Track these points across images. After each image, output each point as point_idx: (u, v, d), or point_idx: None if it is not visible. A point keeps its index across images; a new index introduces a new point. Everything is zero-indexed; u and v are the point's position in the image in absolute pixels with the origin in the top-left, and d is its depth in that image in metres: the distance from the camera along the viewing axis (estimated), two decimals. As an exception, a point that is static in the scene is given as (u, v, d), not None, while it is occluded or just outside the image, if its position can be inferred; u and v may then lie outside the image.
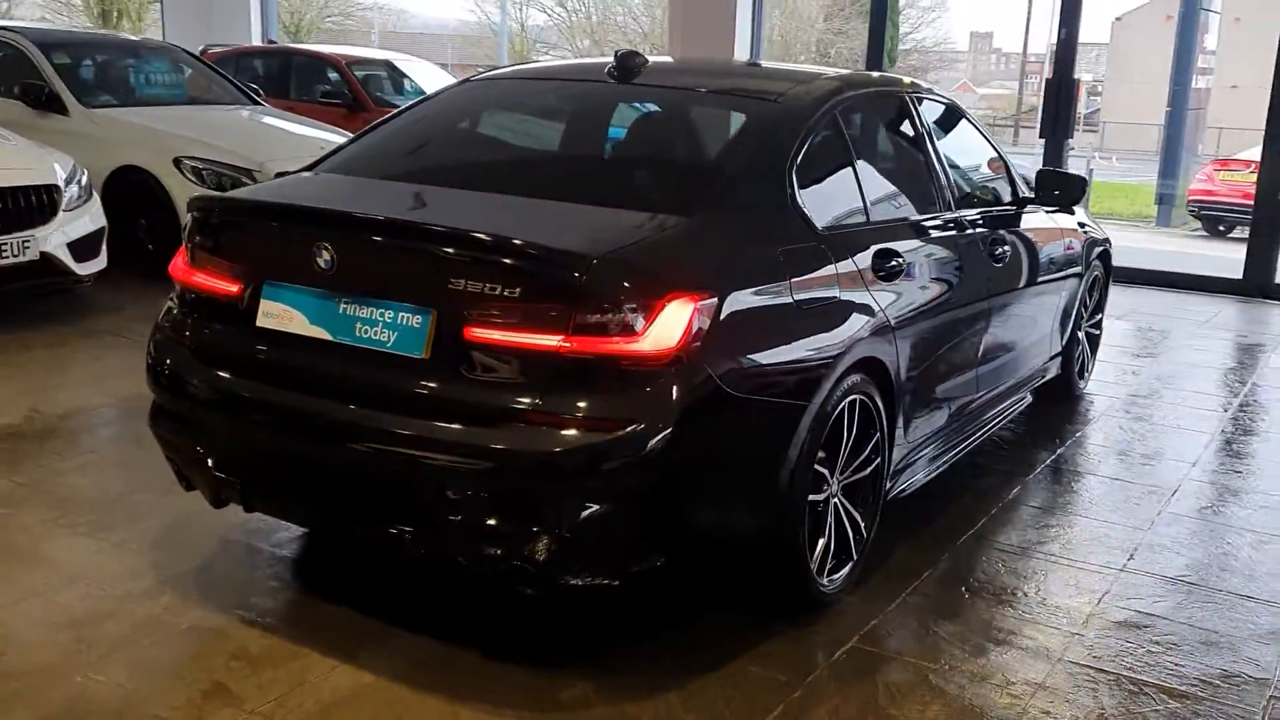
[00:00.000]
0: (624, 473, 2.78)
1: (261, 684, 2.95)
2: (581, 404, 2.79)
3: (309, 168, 3.79)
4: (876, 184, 3.90)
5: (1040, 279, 4.94)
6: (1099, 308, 6.05)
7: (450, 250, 2.92)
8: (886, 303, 3.57)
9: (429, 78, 11.59)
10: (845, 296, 3.40)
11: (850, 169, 3.72)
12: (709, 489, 2.96)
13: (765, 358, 3.07)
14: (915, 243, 3.87)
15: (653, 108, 3.96)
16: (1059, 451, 5.11)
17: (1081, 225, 5.52)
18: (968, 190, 4.54)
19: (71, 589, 3.42)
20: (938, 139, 4.36)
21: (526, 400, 2.80)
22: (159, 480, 3.85)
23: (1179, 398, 6.21)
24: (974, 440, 4.55)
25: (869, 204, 3.74)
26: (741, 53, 11.04)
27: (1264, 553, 4.08)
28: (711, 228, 3.09)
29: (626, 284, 2.81)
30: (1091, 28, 46.69)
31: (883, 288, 3.57)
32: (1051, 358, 5.36)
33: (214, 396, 3.24)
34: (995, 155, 4.87)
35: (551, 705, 2.93)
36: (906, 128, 4.25)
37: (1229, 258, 10.22)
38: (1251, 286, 9.06)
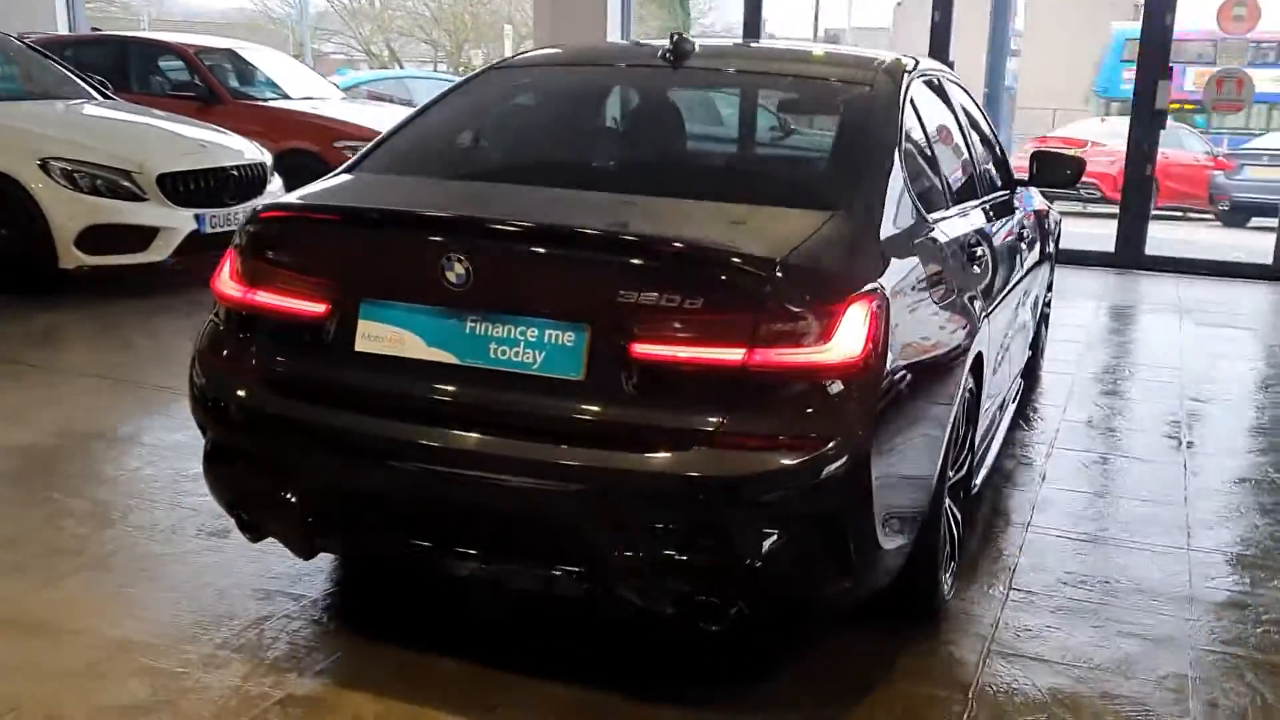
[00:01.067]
0: (820, 493, 2.56)
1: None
2: (772, 422, 2.56)
3: (348, 168, 3.38)
4: (947, 167, 3.78)
5: (1040, 258, 4.97)
6: (1050, 285, 6.15)
7: (616, 258, 2.62)
8: (977, 290, 3.46)
9: (278, 66, 10.88)
10: (958, 285, 3.27)
11: (930, 153, 3.58)
12: (891, 500, 2.77)
13: (920, 357, 2.91)
14: (984, 225, 3.78)
15: (735, 96, 3.71)
16: (1054, 436, 5.14)
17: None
18: (990, 170, 4.49)
19: (122, 662, 2.95)
20: (966, 119, 4.29)
21: (709, 421, 2.54)
22: (146, 524, 3.43)
23: (1128, 369, 6.39)
24: (1004, 429, 4.52)
25: (950, 188, 3.62)
26: (613, 36, 10.82)
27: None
28: (857, 223, 2.90)
29: (811, 288, 2.59)
30: (873, 13, 48.36)
31: (971, 275, 3.47)
32: (1032, 339, 5.40)
33: (304, 433, 2.83)
34: (991, 134, 4.85)
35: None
36: (949, 108, 4.14)
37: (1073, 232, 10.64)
38: (1125, 258, 9.46)
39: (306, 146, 9.11)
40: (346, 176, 3.32)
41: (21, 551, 3.57)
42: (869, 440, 2.59)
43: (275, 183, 8.03)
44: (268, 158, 7.96)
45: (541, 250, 2.68)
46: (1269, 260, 9.25)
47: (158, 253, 7.13)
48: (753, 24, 10.41)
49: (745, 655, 3.09)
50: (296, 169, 8.53)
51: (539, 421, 2.64)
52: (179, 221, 7.18)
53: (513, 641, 3.13)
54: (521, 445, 2.63)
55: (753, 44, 3.79)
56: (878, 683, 3.00)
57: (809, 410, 2.56)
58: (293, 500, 2.84)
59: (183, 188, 7.21)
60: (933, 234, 3.22)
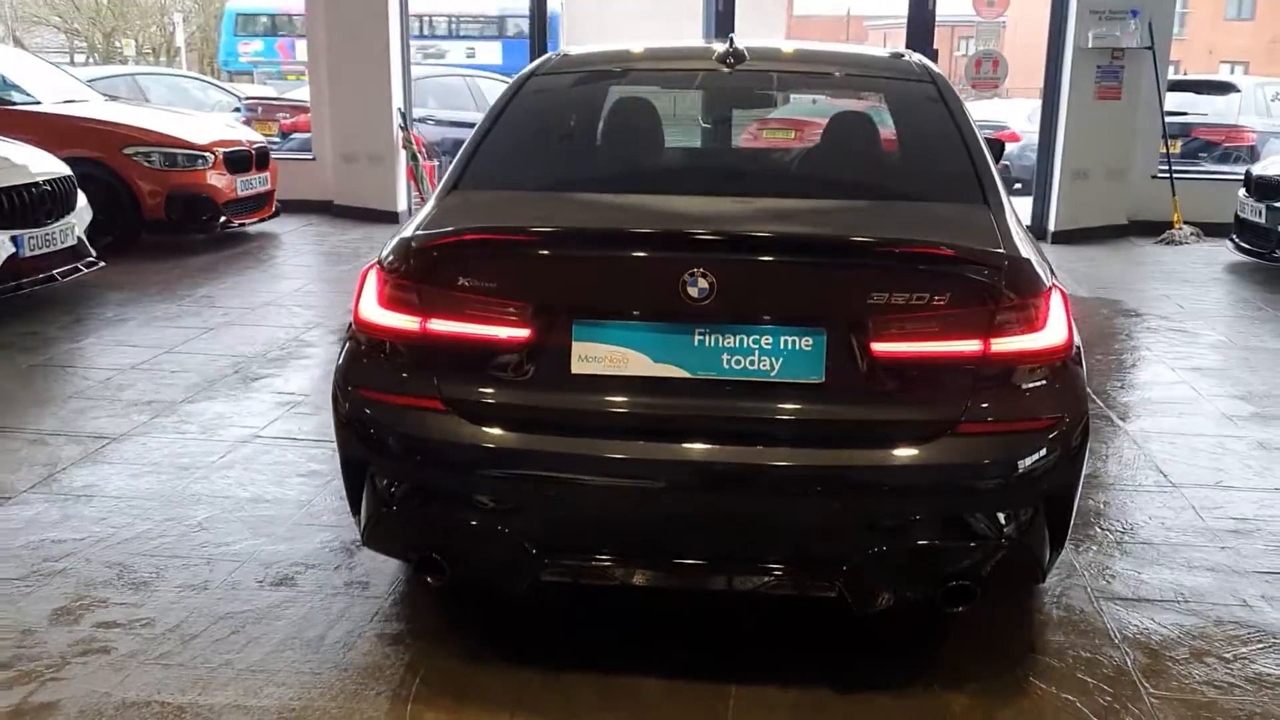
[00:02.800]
0: (1058, 468, 2.74)
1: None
2: (1011, 406, 2.71)
3: (448, 188, 3.22)
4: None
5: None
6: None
7: (858, 262, 2.68)
8: None
9: (19, 66, 9.81)
10: None
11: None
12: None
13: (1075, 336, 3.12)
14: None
15: (807, 96, 3.78)
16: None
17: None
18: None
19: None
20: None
21: (952, 411, 2.66)
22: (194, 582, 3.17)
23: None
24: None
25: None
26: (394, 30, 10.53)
27: None
28: (1006, 214, 3.08)
29: (1028, 278, 2.75)
30: None
31: None
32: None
33: (524, 462, 2.71)
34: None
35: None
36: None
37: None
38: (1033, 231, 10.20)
39: (91, 155, 8.32)
40: (467, 194, 3.16)
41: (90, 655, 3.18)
42: (1087, 414, 2.78)
43: (81, 197, 7.32)
44: (68, 169, 7.23)
45: (785, 259, 2.69)
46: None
47: (-26, 282, 6.36)
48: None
49: (875, 637, 3.21)
50: (80, 180, 7.79)
51: (782, 427, 2.67)
52: (-7, 245, 6.42)
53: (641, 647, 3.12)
54: (766, 452, 2.65)
55: (799, 45, 3.85)
56: (1031, 644, 3.20)
57: (1041, 392, 2.72)
58: (510, 533, 2.72)
59: (-8, 207, 6.45)
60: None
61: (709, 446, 2.65)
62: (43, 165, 7.01)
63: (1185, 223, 10.11)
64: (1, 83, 9.39)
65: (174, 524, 3.90)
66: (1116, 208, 10.27)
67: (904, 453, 2.63)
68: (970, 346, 2.64)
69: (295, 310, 7.16)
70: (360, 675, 2.97)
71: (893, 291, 2.61)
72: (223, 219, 8.99)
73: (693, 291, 2.61)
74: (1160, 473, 4.51)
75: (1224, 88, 13.54)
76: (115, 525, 3.89)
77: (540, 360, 2.70)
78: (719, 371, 2.66)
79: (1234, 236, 8.93)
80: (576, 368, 2.69)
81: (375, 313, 2.83)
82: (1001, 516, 2.70)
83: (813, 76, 3.80)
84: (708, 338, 2.67)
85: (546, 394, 2.70)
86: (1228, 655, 3.14)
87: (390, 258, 2.84)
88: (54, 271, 6.85)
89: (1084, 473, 2.88)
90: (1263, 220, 8.50)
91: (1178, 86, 12.49)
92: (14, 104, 9.00)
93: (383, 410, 2.80)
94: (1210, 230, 9.94)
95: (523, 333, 2.70)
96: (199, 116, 10.75)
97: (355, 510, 2.99)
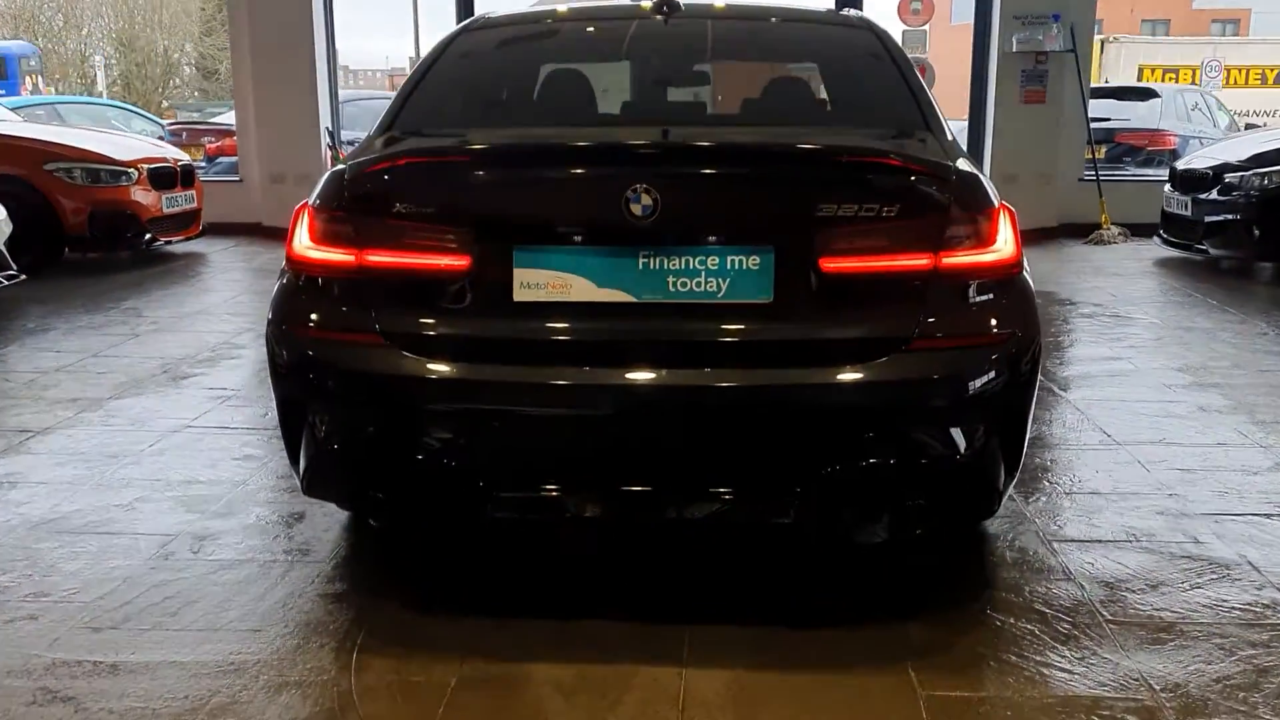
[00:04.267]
0: (1011, 385, 2.71)
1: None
2: (961, 322, 2.68)
3: (379, 133, 3.15)
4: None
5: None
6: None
7: (803, 174, 2.64)
8: None
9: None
10: None
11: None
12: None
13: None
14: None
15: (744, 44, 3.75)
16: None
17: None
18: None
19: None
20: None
21: (903, 327, 2.63)
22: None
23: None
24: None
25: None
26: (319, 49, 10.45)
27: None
28: (948, 140, 3.07)
29: (976, 194, 2.73)
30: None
31: None
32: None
33: (467, 394, 2.63)
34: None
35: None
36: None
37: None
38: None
39: (11, 171, 8.11)
40: (396, 136, 3.08)
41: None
42: (1039, 333, 2.76)
43: (1, 211, 7.12)
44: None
45: (730, 171, 2.64)
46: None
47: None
48: None
49: (842, 581, 3.16)
50: (2, 196, 7.60)
51: (731, 350, 2.62)
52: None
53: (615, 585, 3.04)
54: (717, 374, 2.60)
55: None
56: (988, 580, 3.16)
57: (993, 308, 2.70)
58: (455, 468, 2.63)
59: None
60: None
61: (657, 372, 2.58)
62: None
63: (1113, 223, 10.27)
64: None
65: (103, 507, 3.75)
66: (1046, 210, 10.42)
67: (855, 372, 2.59)
68: (920, 262, 2.61)
69: (225, 318, 7.00)
70: (304, 631, 2.85)
71: (841, 204, 2.58)
72: (148, 236, 8.79)
73: (636, 209, 2.55)
74: (1104, 433, 4.53)
75: (1145, 94, 13.86)
76: (41, 508, 3.73)
77: (481, 289, 2.63)
78: (665, 295, 2.61)
79: (1161, 231, 9.09)
80: (519, 295, 2.62)
81: (308, 248, 2.74)
82: (955, 434, 2.66)
83: (753, 23, 3.78)
84: (652, 260, 2.61)
85: (488, 323, 2.62)
86: (1184, 585, 3.13)
87: (323, 191, 2.75)
88: (-29, 283, 6.62)
89: (1034, 402, 2.85)
90: (1188, 213, 8.67)
91: (1101, 93, 12.76)
92: (-74, 124, 8.76)
93: (319, 347, 2.71)
94: (1137, 230, 10.11)
95: (462, 261, 2.63)
96: (122, 134, 10.55)
97: (294, 459, 2.88)
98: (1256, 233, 8.08)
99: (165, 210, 8.97)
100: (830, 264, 2.59)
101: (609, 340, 2.60)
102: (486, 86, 3.46)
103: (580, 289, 2.61)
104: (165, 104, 34.09)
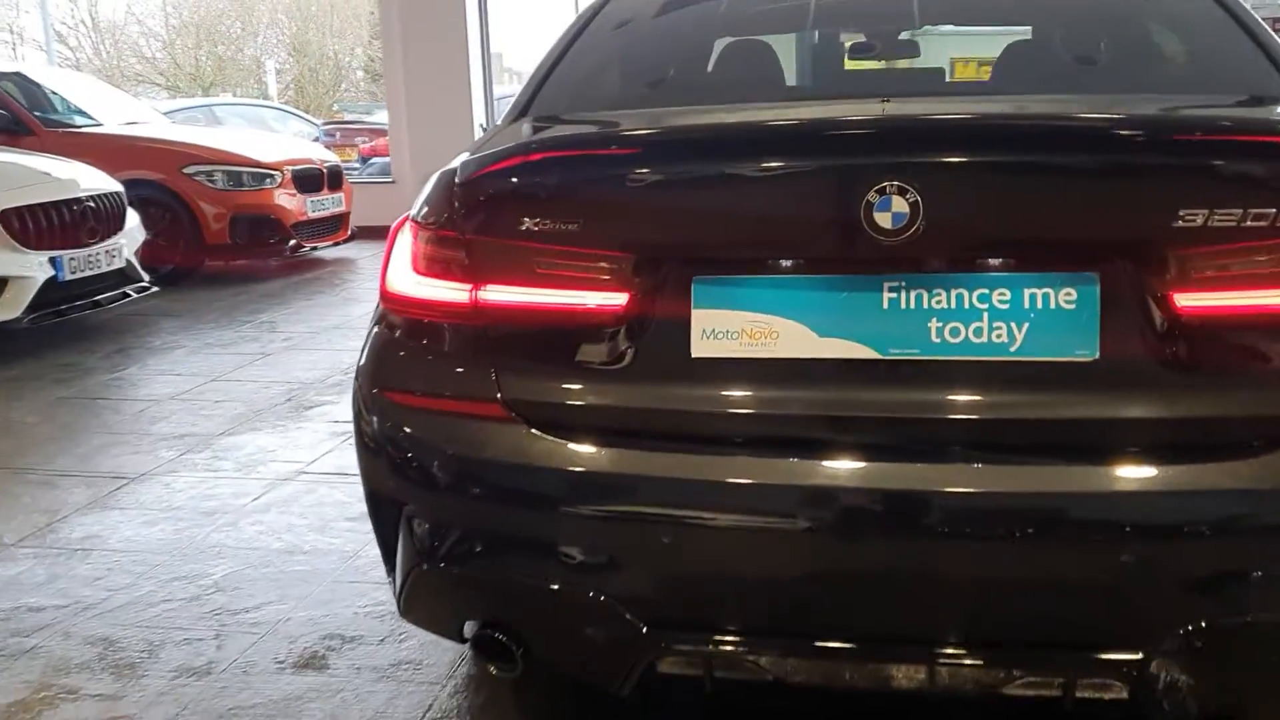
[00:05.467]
0: None
1: None
2: None
3: (511, 119, 2.32)
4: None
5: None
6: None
7: (1155, 161, 1.70)
8: None
9: (82, 89, 9.27)
10: None
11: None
12: None
13: None
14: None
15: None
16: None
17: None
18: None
19: None
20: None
21: None
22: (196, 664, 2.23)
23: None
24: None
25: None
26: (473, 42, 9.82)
27: None
28: None
29: None
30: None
31: None
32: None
33: (626, 495, 1.77)
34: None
35: None
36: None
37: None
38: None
39: (149, 176, 7.67)
40: (533, 124, 2.25)
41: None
42: None
43: (132, 217, 6.63)
44: (120, 186, 6.55)
45: (1034, 159, 1.71)
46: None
47: (8, 309, 5.65)
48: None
49: None
50: (139, 202, 7.15)
51: (1030, 435, 1.69)
52: (30, 269, 5.71)
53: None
54: (1007, 475, 1.67)
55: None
56: None
57: None
58: (607, 601, 1.77)
59: (31, 226, 5.74)
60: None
61: (913, 468, 1.67)
62: (90, 182, 6.32)
63: None
64: (64, 106, 8.84)
65: (183, 583, 3.05)
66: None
67: (1231, 470, 1.63)
68: None
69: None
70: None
71: (1214, 208, 1.62)
72: (292, 242, 8.25)
73: (883, 220, 1.65)
74: None
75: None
76: (110, 587, 3.05)
77: (645, 339, 1.77)
78: (925, 349, 1.70)
79: None
80: (700, 349, 1.75)
81: (408, 282, 1.93)
82: None
83: None
84: (906, 295, 1.71)
85: (656, 390, 1.76)
86: None
87: (427, 200, 1.94)
88: (98, 296, 6.13)
89: None
90: None
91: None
92: (76, 127, 8.40)
93: (419, 421, 1.90)
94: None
95: (618, 299, 1.77)
96: (266, 135, 10.12)
97: (389, 565, 2.07)
98: None
99: (311, 214, 8.44)
100: (1189, 301, 1.64)
101: (837, 417, 1.71)
102: (647, 60, 2.60)
103: (793, 339, 1.73)
104: (335, 107, 34.65)
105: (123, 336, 6.28)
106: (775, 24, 2.93)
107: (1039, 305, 1.69)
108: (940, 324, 1.71)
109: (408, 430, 1.91)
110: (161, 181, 7.75)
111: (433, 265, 1.90)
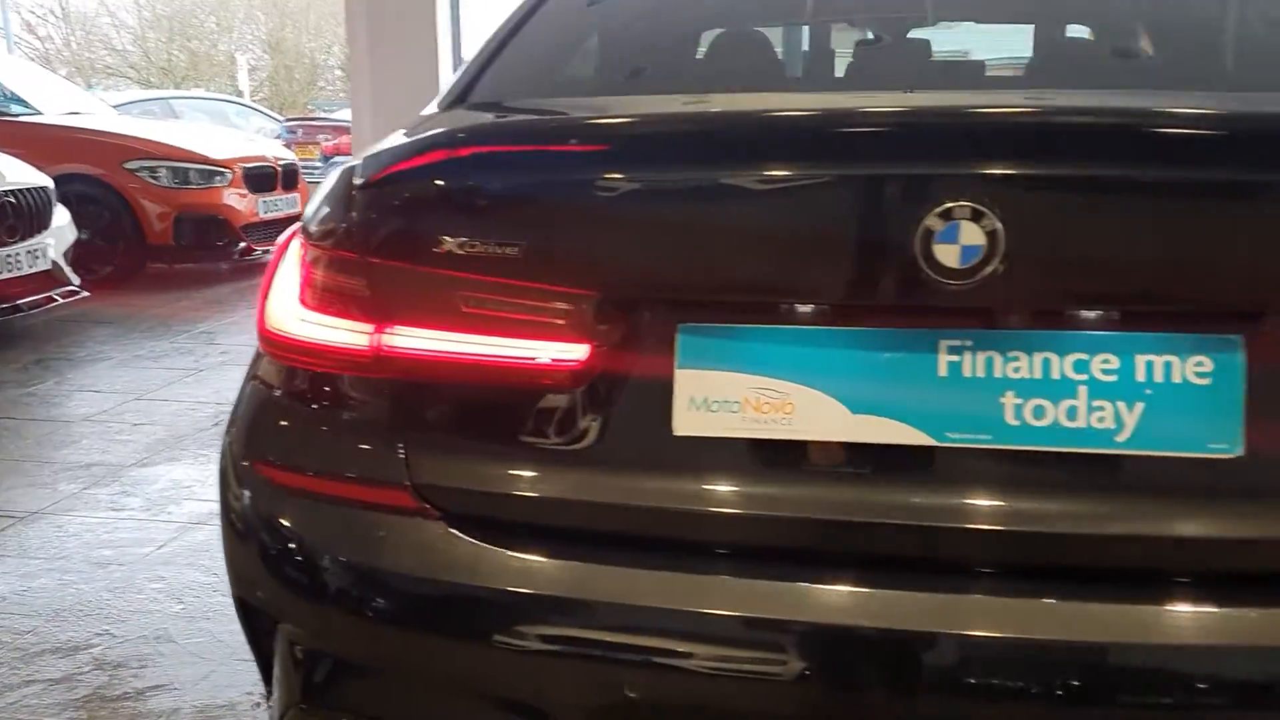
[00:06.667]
0: None
1: None
2: None
3: (444, 106, 1.82)
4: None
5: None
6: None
7: None
8: None
9: (22, 77, 8.67)
10: None
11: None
12: None
13: None
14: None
15: None
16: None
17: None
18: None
19: None
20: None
21: None
22: None
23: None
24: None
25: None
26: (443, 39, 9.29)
27: None
28: None
29: None
30: None
31: None
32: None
33: (586, 630, 1.28)
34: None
35: None
36: None
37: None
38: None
39: (86, 170, 7.12)
40: (468, 111, 1.75)
41: None
42: None
43: (61, 215, 6.09)
44: (48, 180, 6.01)
45: (1157, 176, 1.22)
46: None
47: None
48: None
49: None
50: (76, 199, 6.62)
51: (1154, 557, 1.20)
52: (-58, 269, 5.19)
53: None
54: (1120, 616, 1.19)
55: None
56: None
57: None
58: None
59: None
60: None
61: (986, 600, 1.20)
62: (13, 175, 5.78)
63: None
64: (3, 95, 8.26)
65: (54, 659, 2.55)
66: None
67: None
68: None
69: (310, 347, 5.82)
70: None
71: None
72: (241, 245, 7.71)
73: (947, 254, 1.17)
74: None
75: None
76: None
77: (611, 408, 1.28)
78: (998, 435, 1.22)
79: None
80: (685, 424, 1.26)
81: (291, 319, 1.42)
82: None
83: None
84: (973, 358, 1.22)
85: (624, 481, 1.27)
86: None
87: (319, 210, 1.43)
88: (19, 301, 5.59)
89: None
90: None
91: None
92: (11, 115, 7.84)
93: (301, 508, 1.40)
94: None
95: (575, 351, 1.28)
96: (219, 130, 9.56)
97: (267, 681, 1.56)
98: None
99: (262, 215, 7.90)
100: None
101: (874, 528, 1.22)
102: (626, 36, 2.10)
103: (815, 414, 1.24)
104: (309, 105, 34.12)
105: (44, 346, 5.74)
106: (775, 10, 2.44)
107: (1158, 378, 1.21)
108: (1019, 400, 1.23)
109: (284, 522, 1.41)
110: (100, 176, 7.20)
111: (323, 297, 1.40)
